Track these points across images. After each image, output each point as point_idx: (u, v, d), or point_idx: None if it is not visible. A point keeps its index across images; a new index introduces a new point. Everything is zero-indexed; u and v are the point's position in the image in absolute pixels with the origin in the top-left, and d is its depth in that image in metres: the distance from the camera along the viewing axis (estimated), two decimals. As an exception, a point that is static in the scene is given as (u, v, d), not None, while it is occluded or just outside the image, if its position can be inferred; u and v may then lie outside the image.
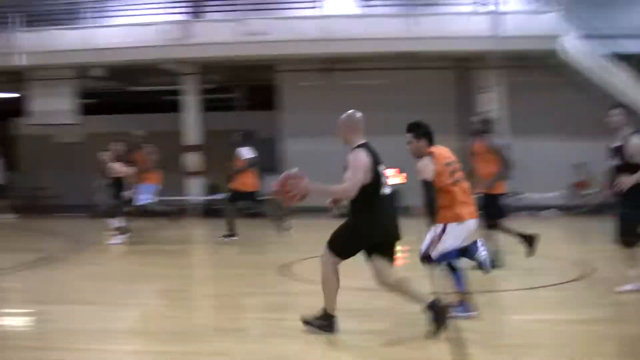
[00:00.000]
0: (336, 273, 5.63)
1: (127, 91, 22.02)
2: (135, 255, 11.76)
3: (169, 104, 21.29)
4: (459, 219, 6.06)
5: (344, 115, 5.79)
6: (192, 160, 18.38)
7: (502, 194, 8.75)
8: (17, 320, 6.95)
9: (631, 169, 6.85)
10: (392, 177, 7.62)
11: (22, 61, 18.18)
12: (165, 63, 17.50)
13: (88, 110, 20.31)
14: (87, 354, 5.59)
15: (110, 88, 22.10)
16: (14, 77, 20.49)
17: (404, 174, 14.31)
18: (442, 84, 18.26)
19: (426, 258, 6.15)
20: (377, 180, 5.54)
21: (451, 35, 16.30)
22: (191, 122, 18.54)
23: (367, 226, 5.53)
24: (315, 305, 5.77)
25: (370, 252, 5.59)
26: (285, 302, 7.68)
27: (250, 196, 12.38)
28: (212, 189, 18.75)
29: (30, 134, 22.02)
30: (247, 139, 12.72)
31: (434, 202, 5.95)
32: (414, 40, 16.44)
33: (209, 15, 19.30)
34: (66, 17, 19.55)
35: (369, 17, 17.57)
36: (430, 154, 6.09)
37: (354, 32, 16.71)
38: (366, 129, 5.74)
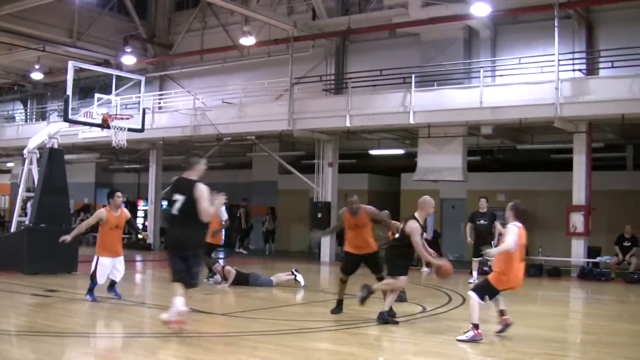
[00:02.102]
0: None
1: (513, 149, 24.39)
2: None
3: (556, 163, 23.26)
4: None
5: None
6: (577, 221, 19.74)
7: None
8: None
9: None
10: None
11: (414, 119, 21.40)
12: (556, 121, 19.13)
13: (470, 167, 22.90)
14: None
15: (495, 145, 24.72)
16: (405, 134, 24.32)
17: None
18: None
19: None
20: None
21: None
22: (579, 182, 19.92)
23: None
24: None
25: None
26: None
27: None
28: (593, 252, 20.04)
29: (415, 189, 25.56)
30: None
31: None
32: None
33: (602, 72, 20.90)
34: (458, 77, 22.75)
35: None
36: None
37: None
38: None
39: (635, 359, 8.77)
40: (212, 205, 8.75)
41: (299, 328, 10.09)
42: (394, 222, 13.72)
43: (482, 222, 16.95)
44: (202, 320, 10.76)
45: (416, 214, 10.32)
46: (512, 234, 9.06)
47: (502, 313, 9.43)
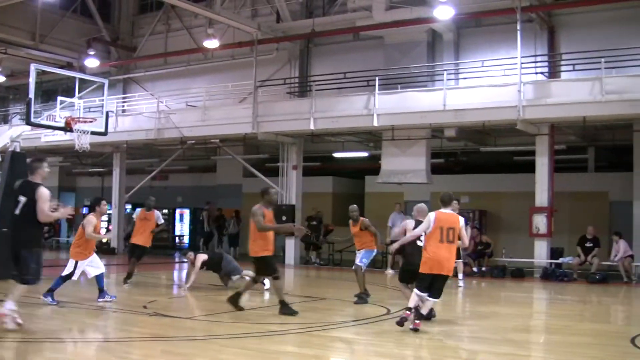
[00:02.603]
0: None
1: (476, 151, 24.52)
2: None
3: (519, 165, 23.45)
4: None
5: None
6: (540, 222, 19.90)
7: None
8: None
9: None
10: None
11: (378, 122, 21.37)
12: (518, 123, 19.23)
13: (434, 169, 22.94)
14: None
15: (458, 148, 24.86)
16: (369, 136, 24.36)
17: None
18: None
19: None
20: None
21: None
22: (541, 183, 20.06)
23: None
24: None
25: None
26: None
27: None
28: (556, 253, 20.22)
29: (379, 191, 25.67)
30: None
31: None
32: None
33: (564, 75, 21.08)
34: (422, 79, 22.84)
35: None
36: None
37: None
38: None
39: (597, 358, 8.83)
40: (54, 212, 9.45)
41: (263, 331, 10.02)
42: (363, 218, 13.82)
43: None
44: (167, 324, 10.69)
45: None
46: (424, 221, 9.91)
47: (412, 310, 9.68)
